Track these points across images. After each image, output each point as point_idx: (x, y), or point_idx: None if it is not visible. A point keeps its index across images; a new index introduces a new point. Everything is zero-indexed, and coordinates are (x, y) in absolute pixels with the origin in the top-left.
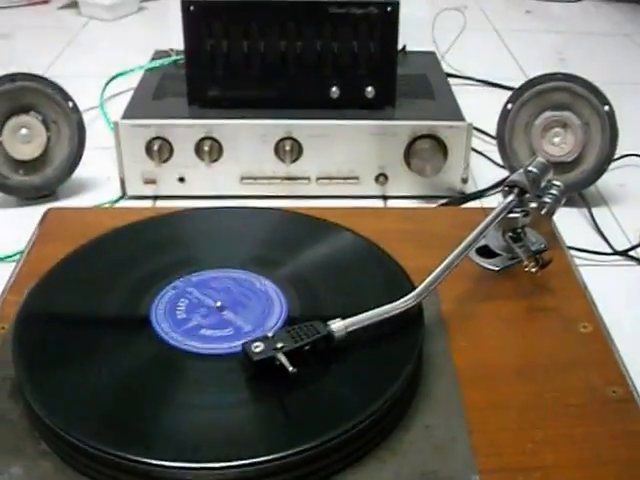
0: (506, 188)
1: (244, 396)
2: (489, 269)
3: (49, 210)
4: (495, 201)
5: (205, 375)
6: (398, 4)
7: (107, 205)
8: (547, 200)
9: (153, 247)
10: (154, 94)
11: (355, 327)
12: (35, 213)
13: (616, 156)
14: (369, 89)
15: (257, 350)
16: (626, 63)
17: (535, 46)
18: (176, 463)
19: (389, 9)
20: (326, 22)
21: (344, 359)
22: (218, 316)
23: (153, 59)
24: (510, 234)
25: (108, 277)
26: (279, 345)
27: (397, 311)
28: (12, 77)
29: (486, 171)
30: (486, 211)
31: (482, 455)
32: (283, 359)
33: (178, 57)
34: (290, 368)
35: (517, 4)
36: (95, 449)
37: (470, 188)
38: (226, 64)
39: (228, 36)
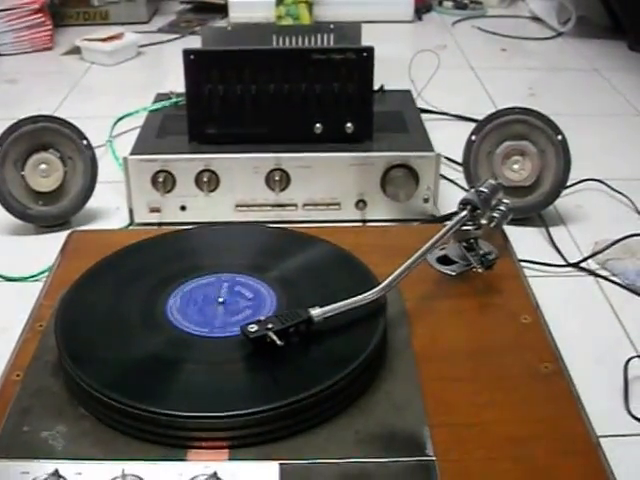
0: (461, 205)
1: (243, 366)
2: (447, 274)
3: (72, 232)
4: None
5: (212, 352)
6: (373, 50)
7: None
8: (495, 215)
9: (169, 256)
10: (158, 132)
11: (331, 313)
12: (52, 240)
13: (576, 180)
14: (349, 125)
15: (252, 330)
16: (594, 96)
17: (508, 82)
18: (186, 413)
19: (365, 54)
20: (310, 67)
21: (322, 338)
22: (222, 308)
23: (155, 101)
24: (464, 244)
25: (131, 278)
26: (270, 326)
27: (365, 302)
28: (34, 119)
29: (455, 196)
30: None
31: (433, 414)
32: (273, 336)
33: (178, 99)
34: (278, 342)
35: (493, 42)
36: (122, 404)
37: (441, 212)
38: (222, 105)
39: (224, 81)
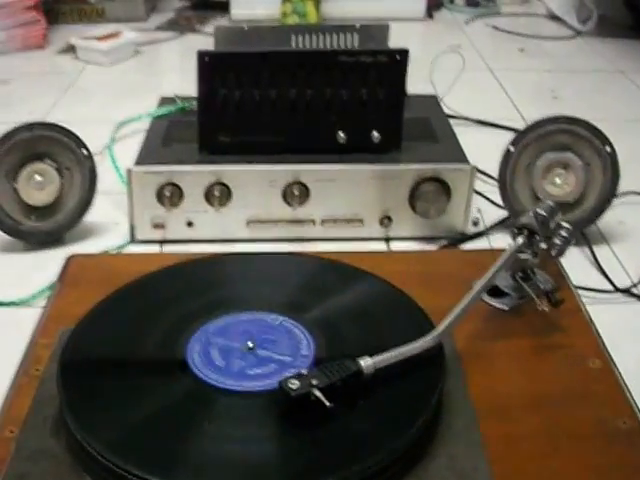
0: (515, 230)
1: (278, 431)
2: (500, 308)
3: (71, 257)
4: (495, 241)
5: (240, 411)
6: (407, 52)
7: (115, 250)
8: (557, 242)
9: (186, 291)
10: (163, 141)
11: (382, 364)
12: (44, 258)
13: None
14: (375, 134)
15: (294, 387)
16: (622, 100)
17: (529, 84)
18: None
19: (398, 57)
20: (335, 70)
21: (372, 395)
22: (252, 356)
23: (160, 106)
24: (520, 274)
25: (145, 319)
26: (314, 382)
27: (420, 350)
28: (29, 126)
29: (485, 211)
30: (495, 252)
31: None
32: (319, 395)
33: (185, 104)
34: (327, 403)
35: (510, 42)
36: (135, 476)
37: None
38: (237, 112)
39: (240, 85)
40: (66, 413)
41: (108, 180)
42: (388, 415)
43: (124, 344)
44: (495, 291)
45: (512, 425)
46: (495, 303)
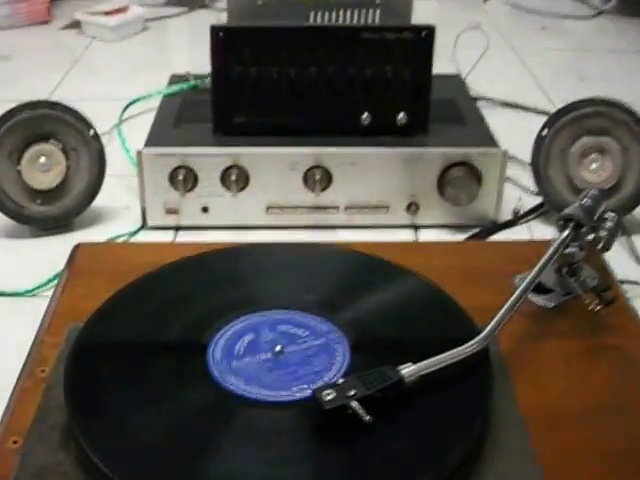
0: (561, 222)
1: (309, 448)
2: (544, 306)
3: (78, 246)
4: (529, 230)
5: (267, 423)
6: (434, 29)
7: (126, 237)
8: (603, 234)
9: (206, 286)
10: (175, 121)
11: (425, 372)
12: (51, 245)
13: None
14: (401, 115)
15: (328, 398)
16: None
17: (554, 64)
18: None
19: (424, 34)
20: (359, 48)
21: (413, 407)
22: (280, 361)
23: (170, 83)
24: (566, 269)
25: (162, 318)
26: (351, 393)
27: (465, 355)
28: (33, 105)
29: (515, 197)
30: (534, 244)
31: None
32: (357, 407)
33: (197, 81)
34: (366, 417)
35: (530, 21)
36: None
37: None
38: (254, 90)
39: (257, 62)
40: (74, 424)
41: (117, 162)
42: (432, 430)
43: (139, 345)
44: (538, 287)
45: (565, 438)
46: (539, 300)
